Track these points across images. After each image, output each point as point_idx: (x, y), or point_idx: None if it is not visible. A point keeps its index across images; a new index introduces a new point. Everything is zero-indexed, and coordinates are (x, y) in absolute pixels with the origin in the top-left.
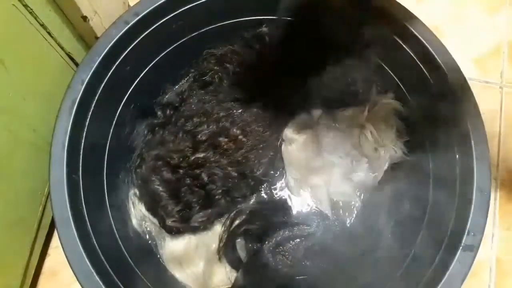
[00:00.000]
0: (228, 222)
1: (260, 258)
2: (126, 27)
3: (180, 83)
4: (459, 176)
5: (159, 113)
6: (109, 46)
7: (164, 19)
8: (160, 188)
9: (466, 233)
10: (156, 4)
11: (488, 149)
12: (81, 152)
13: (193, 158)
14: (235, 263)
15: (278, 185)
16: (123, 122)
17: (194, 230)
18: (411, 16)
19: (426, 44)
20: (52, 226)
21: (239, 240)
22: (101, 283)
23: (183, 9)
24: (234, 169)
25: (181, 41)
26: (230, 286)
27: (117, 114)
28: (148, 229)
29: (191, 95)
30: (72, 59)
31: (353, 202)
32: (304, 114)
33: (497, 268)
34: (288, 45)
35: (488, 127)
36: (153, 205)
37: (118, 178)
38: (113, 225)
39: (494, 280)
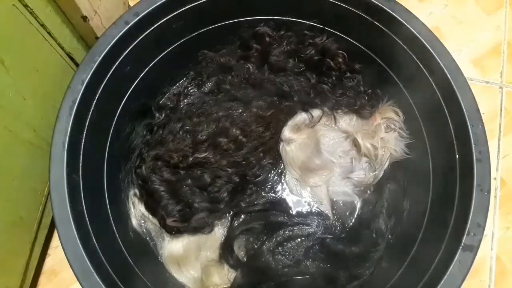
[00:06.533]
0: (228, 222)
1: (260, 258)
2: (126, 27)
3: (180, 82)
4: (459, 176)
5: (158, 113)
6: (109, 46)
7: (164, 19)
8: (160, 188)
9: (466, 233)
10: (156, 4)
11: (488, 149)
12: (81, 152)
13: (192, 158)
14: (235, 263)
15: (278, 185)
16: (123, 122)
17: (194, 230)
18: (411, 16)
19: (426, 44)
20: (52, 226)
21: (238, 240)
22: (101, 283)
23: (183, 9)
24: (234, 170)
25: (180, 41)
26: (229, 285)
27: (117, 114)
28: (148, 229)
29: (190, 94)
30: (72, 59)
31: (353, 202)
32: (303, 114)
33: (497, 268)
34: (288, 46)
35: (488, 127)
36: (153, 205)
37: (118, 178)
38: (113, 225)
39: (494, 280)
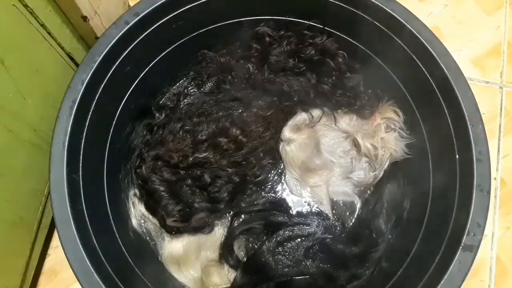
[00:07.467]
0: (228, 222)
1: (260, 258)
2: (126, 27)
3: (180, 82)
4: (459, 176)
5: (158, 113)
6: (109, 46)
7: (164, 19)
8: (160, 188)
9: (466, 233)
10: (156, 4)
11: (488, 149)
12: (81, 152)
13: (192, 158)
14: (235, 263)
15: (278, 185)
16: (123, 122)
17: (194, 230)
18: (411, 16)
19: (426, 45)
20: (52, 226)
21: (238, 240)
22: (101, 283)
23: (183, 9)
24: (234, 170)
25: (180, 41)
26: (229, 285)
27: (117, 114)
28: (148, 229)
29: (190, 94)
30: (72, 59)
31: (353, 202)
32: (303, 114)
33: (497, 268)
34: (288, 46)
35: (488, 127)
36: (153, 205)
37: (118, 178)
38: (113, 225)
39: (494, 280)
